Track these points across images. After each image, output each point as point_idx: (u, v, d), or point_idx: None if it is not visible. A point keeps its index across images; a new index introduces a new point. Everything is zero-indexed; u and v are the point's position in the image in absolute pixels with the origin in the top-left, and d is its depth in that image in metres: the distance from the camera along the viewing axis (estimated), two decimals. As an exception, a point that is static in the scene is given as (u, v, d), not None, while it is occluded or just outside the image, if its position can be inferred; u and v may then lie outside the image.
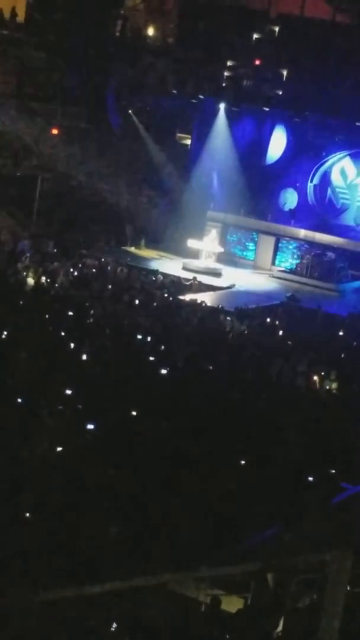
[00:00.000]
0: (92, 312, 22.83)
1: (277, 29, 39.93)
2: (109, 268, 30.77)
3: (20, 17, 39.69)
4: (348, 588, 8.42)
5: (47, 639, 8.05)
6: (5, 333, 18.98)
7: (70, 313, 22.15)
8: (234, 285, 32.86)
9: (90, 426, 14.10)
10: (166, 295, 27.76)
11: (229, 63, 39.03)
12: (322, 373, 19.75)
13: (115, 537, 10.71)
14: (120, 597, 8.11)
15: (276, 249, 37.11)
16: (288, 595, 9.62)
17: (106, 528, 10.94)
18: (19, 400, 14.86)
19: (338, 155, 38.11)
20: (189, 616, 9.41)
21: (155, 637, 8.57)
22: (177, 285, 30.07)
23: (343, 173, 38.18)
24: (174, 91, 38.83)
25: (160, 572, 4.06)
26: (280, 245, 37.18)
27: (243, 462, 13.70)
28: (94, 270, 29.99)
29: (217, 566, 4.00)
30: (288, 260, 36.99)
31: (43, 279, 26.22)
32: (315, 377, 19.74)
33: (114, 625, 8.71)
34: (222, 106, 38.46)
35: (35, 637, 7.93)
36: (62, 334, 19.88)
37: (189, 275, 31.61)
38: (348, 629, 4.55)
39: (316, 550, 4.24)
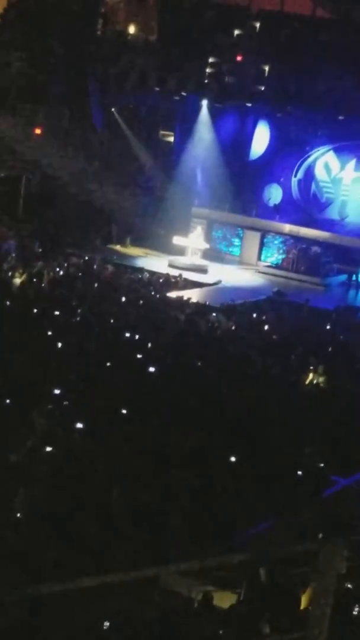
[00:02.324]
0: (79, 310, 22.82)
1: (258, 24, 39.91)
2: (95, 267, 30.76)
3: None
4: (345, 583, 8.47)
5: (40, 634, 8.07)
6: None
7: (57, 312, 22.13)
8: (220, 281, 32.86)
9: (79, 425, 14.11)
10: (153, 292, 27.76)
11: (210, 59, 38.97)
12: (311, 367, 19.78)
13: (108, 532, 10.72)
14: (113, 593, 8.12)
15: (261, 244, 37.15)
16: (280, 589, 9.66)
17: (100, 524, 10.96)
18: (8, 400, 14.86)
19: (321, 149, 38.17)
20: (182, 612, 9.43)
21: (148, 634, 8.58)
22: (164, 282, 30.07)
23: (327, 167, 38.24)
24: (157, 88, 38.76)
25: (151, 566, 4.06)
26: (265, 240, 37.22)
27: (233, 458, 13.71)
28: (80, 269, 29.96)
29: (209, 558, 3.99)
30: (274, 255, 37.04)
31: (29, 278, 26.17)
32: (304, 371, 19.78)
33: (107, 623, 8.72)
34: (204, 103, 38.49)
35: (29, 632, 7.94)
36: (50, 333, 19.86)
37: (175, 273, 31.61)
38: (338, 623, 4.56)
39: (307, 541, 4.26)
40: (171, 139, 40.61)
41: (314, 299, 29.71)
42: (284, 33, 38.25)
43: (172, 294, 27.95)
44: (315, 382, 19.31)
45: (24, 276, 26.08)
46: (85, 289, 26.35)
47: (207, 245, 35.79)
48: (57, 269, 28.80)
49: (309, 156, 38.34)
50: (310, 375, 19.45)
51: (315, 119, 36.73)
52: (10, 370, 16.35)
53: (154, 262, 34.20)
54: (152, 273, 31.26)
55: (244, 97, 38.00)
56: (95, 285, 27.31)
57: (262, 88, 38.18)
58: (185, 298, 27.34)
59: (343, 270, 35.55)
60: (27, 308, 22.21)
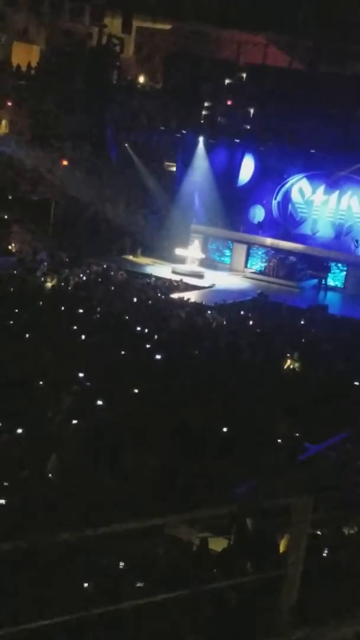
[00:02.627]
0: (98, 309, 22.82)
1: (244, 75, 39.96)
2: (111, 273, 30.75)
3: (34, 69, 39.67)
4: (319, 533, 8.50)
5: (65, 575, 8.09)
6: (29, 328, 18.97)
7: (81, 310, 22.15)
8: (214, 285, 32.84)
9: (99, 402, 14.14)
10: (158, 294, 27.75)
11: (206, 104, 38.98)
12: (288, 354, 19.78)
13: (125, 489, 10.74)
14: (127, 539, 8.15)
15: (248, 255, 37.08)
16: (262, 536, 9.68)
17: (117, 481, 10.97)
18: (40, 382, 14.88)
19: (296, 177, 38.07)
20: (183, 554, 9.46)
21: (156, 572, 8.61)
22: (168, 286, 30.05)
23: (301, 192, 38.18)
24: (162, 127, 38.79)
25: (157, 516, 4.10)
26: (251, 251, 37.15)
27: (225, 428, 13.73)
28: (99, 275, 29.96)
29: (206, 509, 4.04)
30: (258, 263, 36.99)
31: (58, 283, 26.19)
32: (282, 358, 19.76)
33: (122, 563, 8.75)
34: (201, 139, 38.35)
35: (56, 572, 7.97)
36: (75, 327, 19.88)
37: (177, 278, 31.59)
38: (310, 563, 4.60)
39: (284, 497, 4.28)
40: (173, 168, 40.54)
41: (291, 300, 29.71)
42: (266, 82, 38.27)
43: (175, 295, 27.95)
44: (292, 367, 19.32)
45: (54, 281, 26.11)
46: (103, 291, 26.36)
47: (203, 255, 35.75)
48: (81, 275, 28.80)
49: (286, 182, 38.25)
50: (288, 361, 19.45)
51: (292, 152, 36.65)
52: (42, 358, 16.38)
53: (160, 269, 34.16)
54: (158, 278, 31.23)
55: (233, 134, 37.99)
56: (112, 288, 27.32)
57: (248, 127, 38.21)
58: (185, 298, 27.34)
59: (314, 276, 35.52)
60: (56, 307, 22.23)
